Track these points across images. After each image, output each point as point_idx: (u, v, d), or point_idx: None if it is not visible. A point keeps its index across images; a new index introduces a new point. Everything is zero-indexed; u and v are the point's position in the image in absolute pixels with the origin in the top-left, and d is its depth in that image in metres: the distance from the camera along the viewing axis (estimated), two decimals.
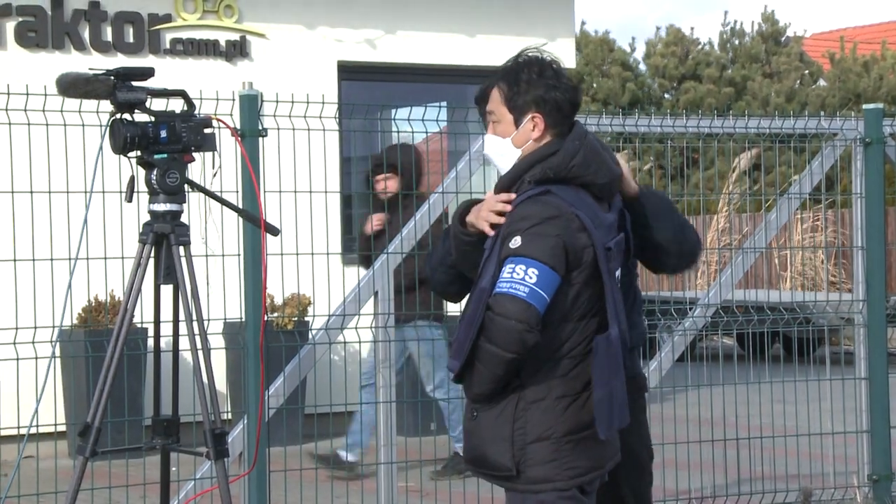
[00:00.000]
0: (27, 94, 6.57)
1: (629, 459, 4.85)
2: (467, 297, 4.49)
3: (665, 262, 4.86)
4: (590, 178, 4.37)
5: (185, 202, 5.54)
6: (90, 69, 5.57)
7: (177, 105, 5.59)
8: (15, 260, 6.98)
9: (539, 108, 4.42)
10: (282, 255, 6.99)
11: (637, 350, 5.12)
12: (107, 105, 5.49)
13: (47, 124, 6.71)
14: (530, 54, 4.51)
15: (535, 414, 4.30)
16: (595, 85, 28.00)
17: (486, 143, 4.56)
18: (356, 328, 7.22)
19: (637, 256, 4.81)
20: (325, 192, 7.59)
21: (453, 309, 8.76)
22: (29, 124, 6.64)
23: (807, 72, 28.12)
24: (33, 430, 6.00)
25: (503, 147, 4.48)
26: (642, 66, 29.04)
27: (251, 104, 6.94)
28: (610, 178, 4.42)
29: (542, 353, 4.27)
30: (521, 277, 4.18)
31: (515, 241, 4.25)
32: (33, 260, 6.99)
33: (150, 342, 5.89)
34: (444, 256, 4.64)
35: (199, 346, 5.44)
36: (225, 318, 7.28)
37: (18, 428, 6.44)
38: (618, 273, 4.47)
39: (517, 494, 4.37)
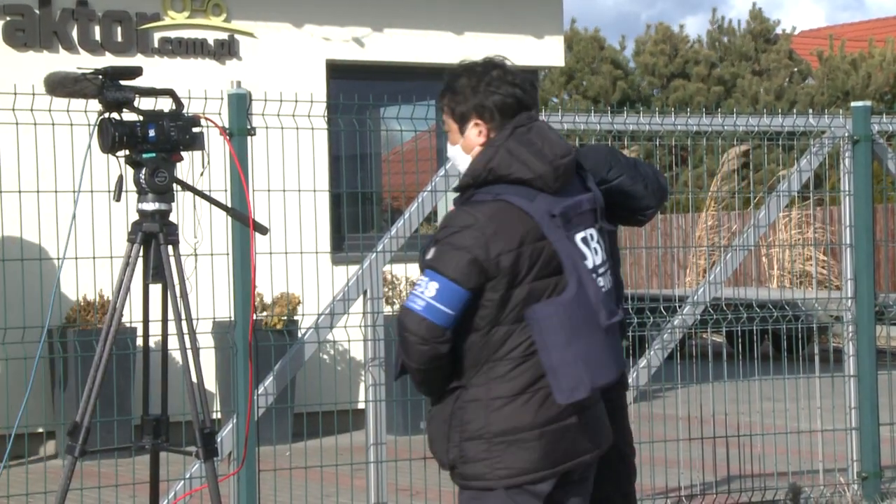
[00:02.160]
0: (15, 94, 6.56)
1: (613, 455, 4.85)
2: None
3: (636, 205, 4.92)
4: (517, 176, 4.36)
5: (173, 201, 5.54)
6: (78, 68, 5.57)
7: (165, 104, 5.58)
8: (3, 260, 6.98)
9: (479, 114, 4.48)
10: (271, 254, 6.99)
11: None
12: (95, 104, 5.49)
13: (35, 123, 6.70)
14: (474, 60, 4.59)
15: (470, 413, 4.36)
16: (585, 83, 28.02)
17: (448, 150, 4.67)
18: (345, 327, 7.22)
19: (616, 217, 4.89)
20: (314, 190, 7.59)
21: None
22: (17, 124, 6.63)
23: (795, 69, 28.16)
24: (23, 430, 5.99)
25: (457, 155, 4.58)
26: (632, 64, 29.06)
27: (240, 103, 6.94)
28: (544, 170, 4.36)
29: (480, 357, 4.35)
30: (421, 291, 4.28)
31: (430, 252, 4.35)
32: (22, 260, 6.99)
33: (139, 341, 5.88)
34: None
35: (188, 345, 5.44)
36: (214, 318, 7.28)
37: (6, 427, 6.43)
38: (590, 232, 4.43)
39: (457, 485, 4.51)
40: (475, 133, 4.49)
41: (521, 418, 4.33)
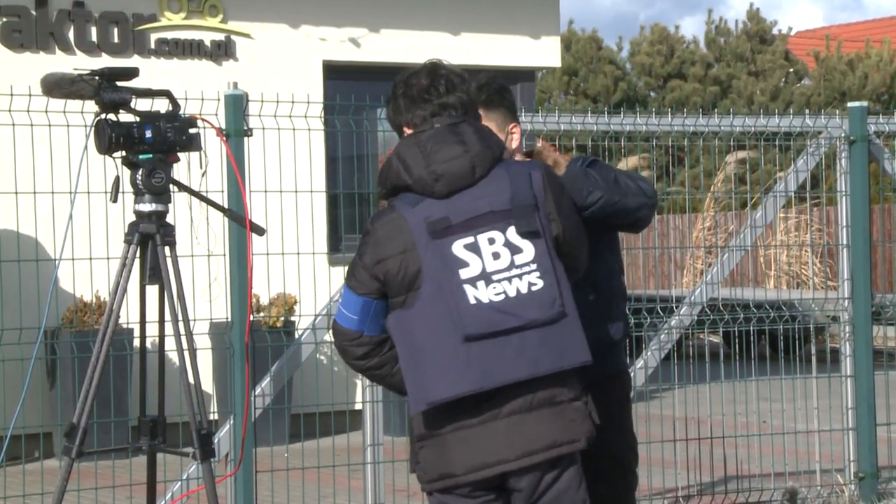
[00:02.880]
0: (11, 95, 6.56)
1: (610, 461, 4.82)
2: None
3: (626, 220, 4.87)
4: (402, 182, 4.39)
5: (170, 202, 5.54)
6: (75, 69, 5.56)
7: (162, 105, 5.58)
8: (0, 261, 6.97)
9: (396, 131, 4.59)
10: (268, 254, 6.99)
11: (622, 345, 5.10)
12: (92, 105, 5.48)
13: (32, 125, 6.70)
14: (397, 78, 4.64)
15: (413, 417, 4.46)
16: (585, 83, 28.02)
17: None
18: None
19: (615, 227, 4.90)
20: (311, 191, 7.60)
21: None
22: (13, 125, 6.63)
23: (791, 70, 28.17)
24: (20, 432, 5.99)
25: None
26: (628, 66, 29.06)
27: (236, 104, 6.94)
28: (419, 175, 4.35)
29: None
30: (337, 299, 4.67)
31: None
32: (18, 261, 6.98)
33: (136, 342, 5.88)
34: None
35: (185, 346, 5.44)
36: (211, 319, 7.28)
37: (3, 428, 6.42)
38: (488, 236, 4.30)
39: None
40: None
41: (430, 423, 4.36)
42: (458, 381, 4.28)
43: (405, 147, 4.43)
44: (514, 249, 4.32)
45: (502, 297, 4.28)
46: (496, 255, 4.30)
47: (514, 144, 4.85)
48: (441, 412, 4.31)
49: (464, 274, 4.27)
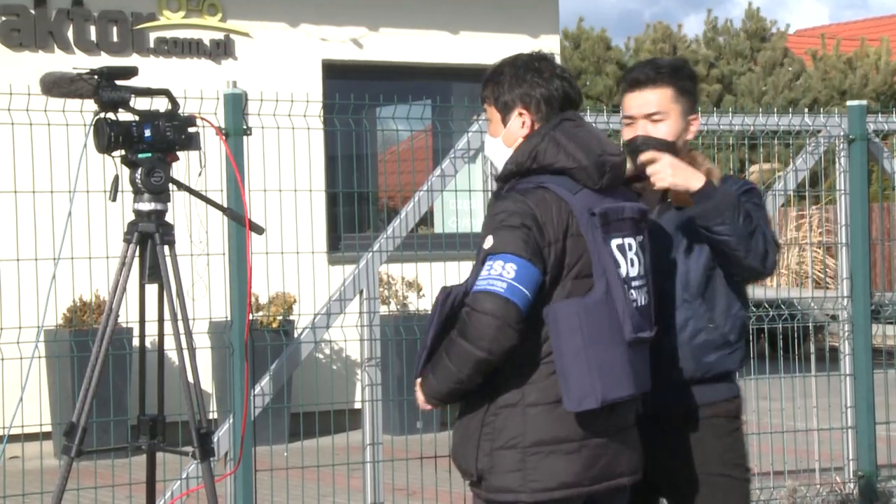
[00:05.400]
0: (10, 94, 6.56)
1: (646, 491, 4.58)
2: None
3: (730, 267, 4.59)
4: (561, 165, 4.18)
5: (169, 201, 5.54)
6: (74, 68, 5.56)
7: (161, 104, 5.58)
8: None
9: (525, 104, 4.29)
10: (267, 253, 6.99)
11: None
12: (91, 104, 5.48)
13: (31, 124, 6.70)
14: (519, 53, 4.43)
15: (503, 419, 4.12)
16: (588, 83, 28.00)
17: (485, 144, 4.49)
18: (342, 327, 7.22)
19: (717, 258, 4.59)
20: (310, 190, 7.59)
21: None
22: (13, 124, 6.63)
23: (790, 69, 28.16)
24: (19, 431, 5.99)
25: (496, 147, 4.38)
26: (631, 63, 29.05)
27: (235, 103, 6.93)
28: (589, 163, 4.17)
29: (517, 356, 4.08)
30: (498, 273, 4.01)
31: (489, 240, 4.11)
32: (17, 260, 6.98)
33: (136, 341, 5.88)
34: None
35: (184, 345, 5.44)
36: (210, 318, 7.28)
37: (2, 428, 6.43)
38: (628, 241, 4.19)
39: (479, 500, 4.23)
40: (518, 124, 4.30)
41: (559, 428, 4.11)
42: (624, 385, 4.13)
43: (562, 134, 4.22)
44: (641, 259, 4.24)
45: (636, 305, 4.19)
46: (632, 262, 4.20)
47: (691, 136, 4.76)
48: (581, 418, 4.10)
49: (621, 273, 4.15)
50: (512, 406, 4.12)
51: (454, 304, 4.13)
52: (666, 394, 4.51)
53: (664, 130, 4.63)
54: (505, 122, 4.34)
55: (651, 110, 4.65)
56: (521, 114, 4.31)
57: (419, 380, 4.26)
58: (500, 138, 4.36)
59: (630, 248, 4.20)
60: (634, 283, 4.19)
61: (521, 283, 4.01)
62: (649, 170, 4.50)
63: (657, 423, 4.52)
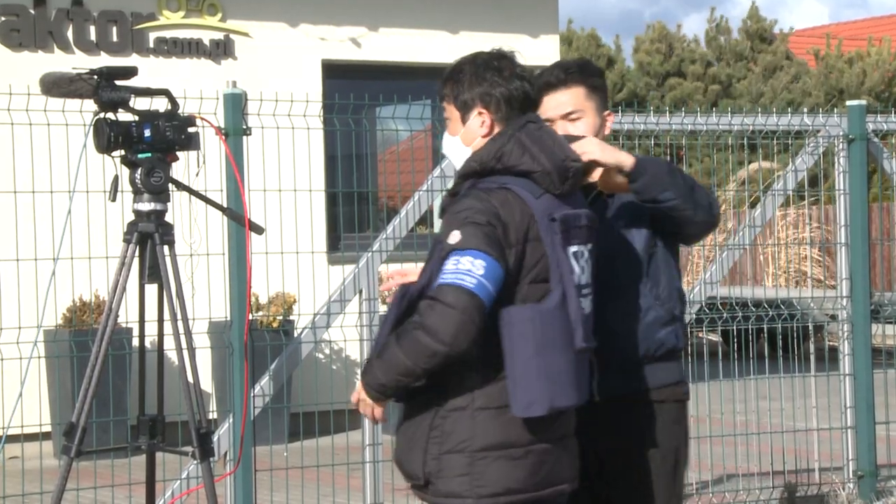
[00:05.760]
0: (10, 94, 6.56)
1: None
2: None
3: (682, 229, 4.66)
4: (525, 167, 4.13)
5: (169, 201, 5.54)
6: (74, 68, 5.57)
7: (161, 104, 5.58)
8: None
9: (484, 103, 4.24)
10: (266, 253, 6.99)
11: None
12: (90, 104, 5.48)
13: (31, 124, 6.70)
14: (479, 52, 4.37)
15: (452, 423, 4.06)
16: None
17: (443, 142, 4.43)
18: (341, 327, 7.22)
19: (665, 230, 4.64)
20: (310, 190, 7.60)
21: None
22: (12, 124, 6.63)
23: (791, 69, 28.16)
24: (19, 431, 5.99)
25: (454, 145, 4.33)
26: (629, 63, 29.06)
27: (235, 103, 6.94)
28: (552, 167, 4.14)
29: (469, 358, 4.00)
30: (467, 269, 3.94)
31: (454, 236, 4.02)
32: (17, 260, 6.98)
33: (135, 341, 5.88)
34: None
35: (184, 345, 5.44)
36: (210, 318, 7.28)
37: (2, 428, 6.43)
38: (581, 249, 4.17)
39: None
40: (478, 123, 4.24)
41: (507, 433, 4.06)
42: (572, 390, 4.11)
43: (527, 136, 4.18)
44: (589, 267, 4.22)
45: (585, 313, 4.17)
46: (583, 270, 4.18)
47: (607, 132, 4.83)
48: (529, 424, 4.06)
49: (575, 281, 4.12)
50: (461, 409, 4.06)
51: (410, 301, 4.07)
52: (619, 376, 4.56)
53: (583, 128, 4.67)
54: (464, 120, 4.29)
55: (567, 110, 4.70)
56: (480, 113, 4.26)
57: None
58: (459, 137, 4.31)
59: (582, 256, 4.18)
60: (584, 291, 4.17)
61: (489, 280, 3.95)
62: (576, 146, 4.45)
63: (608, 407, 4.54)
